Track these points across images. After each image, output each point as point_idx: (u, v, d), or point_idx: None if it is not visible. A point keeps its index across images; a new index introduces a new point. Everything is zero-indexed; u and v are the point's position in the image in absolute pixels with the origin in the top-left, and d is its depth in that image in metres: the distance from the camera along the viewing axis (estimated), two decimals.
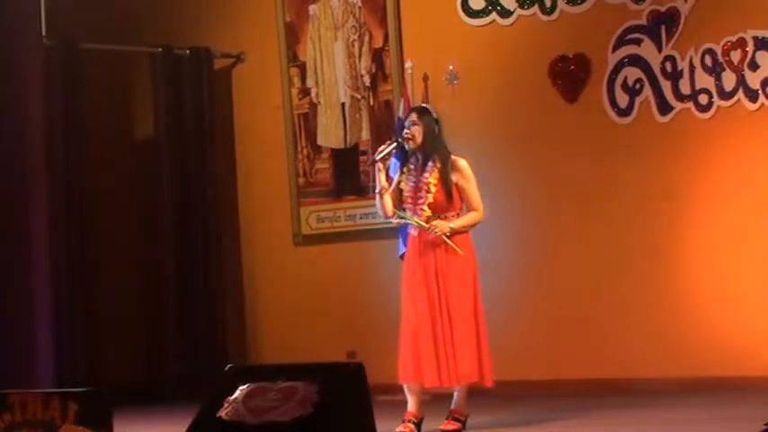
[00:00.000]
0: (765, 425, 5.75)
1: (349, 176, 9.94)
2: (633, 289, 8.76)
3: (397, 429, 6.90)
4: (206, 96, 10.45)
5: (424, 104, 8.01)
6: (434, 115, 7.11)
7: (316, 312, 10.02)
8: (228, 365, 5.39)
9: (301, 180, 10.25)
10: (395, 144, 7.11)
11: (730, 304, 8.42)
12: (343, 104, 10.04)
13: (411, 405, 7.01)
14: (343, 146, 9.84)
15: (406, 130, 7.05)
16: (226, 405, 4.99)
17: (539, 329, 9.08)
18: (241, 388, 5.01)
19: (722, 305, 8.45)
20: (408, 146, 7.04)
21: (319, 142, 10.17)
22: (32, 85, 9.35)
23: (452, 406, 7.06)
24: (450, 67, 9.44)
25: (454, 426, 6.99)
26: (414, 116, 7.07)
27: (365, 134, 9.77)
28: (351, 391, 4.91)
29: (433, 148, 7.03)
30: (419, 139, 7.01)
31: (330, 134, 10.10)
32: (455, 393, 7.06)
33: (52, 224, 9.36)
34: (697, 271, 8.58)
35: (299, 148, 10.26)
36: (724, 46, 8.43)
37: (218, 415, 5.00)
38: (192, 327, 10.23)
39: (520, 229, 9.25)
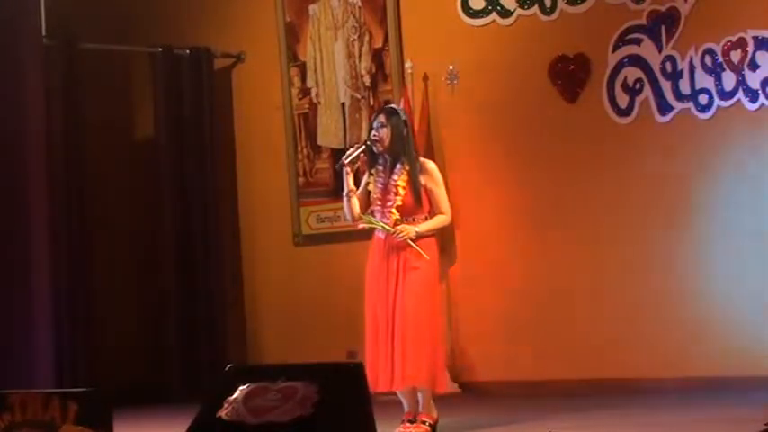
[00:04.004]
0: (765, 425, 5.75)
1: None
2: (632, 288, 8.75)
3: (396, 430, 6.90)
4: (206, 96, 10.45)
5: (392, 105, 7.99)
6: (403, 116, 7.06)
7: (316, 312, 10.02)
8: (228, 365, 5.37)
9: (301, 180, 10.25)
10: (363, 147, 7.03)
11: (730, 304, 8.42)
12: (343, 104, 10.04)
13: (407, 406, 7.01)
14: (343, 146, 9.83)
15: (373, 132, 6.98)
16: (226, 405, 4.99)
17: (538, 330, 9.08)
18: (241, 388, 5.00)
19: (722, 305, 8.44)
20: (376, 148, 6.99)
21: (319, 142, 10.17)
22: (32, 84, 9.36)
23: (419, 410, 6.97)
24: (451, 67, 9.45)
25: (421, 429, 6.92)
26: (382, 118, 6.99)
27: (365, 134, 9.74)
28: (351, 391, 4.90)
29: (402, 150, 6.96)
30: (387, 140, 6.95)
31: (330, 134, 10.11)
32: (420, 397, 6.98)
33: (52, 224, 9.36)
34: (696, 270, 8.58)
35: (299, 148, 10.26)
36: (724, 46, 8.43)
37: (218, 415, 4.99)
38: (192, 327, 10.23)
39: (519, 229, 9.25)
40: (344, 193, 7.05)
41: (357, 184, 7.12)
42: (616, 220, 8.85)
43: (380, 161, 7.04)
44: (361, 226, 7.10)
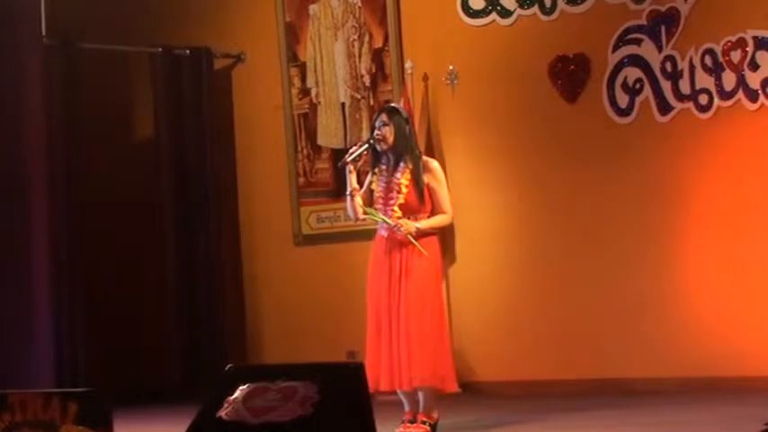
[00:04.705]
0: (765, 425, 5.75)
1: None
2: (632, 289, 8.75)
3: (396, 430, 6.90)
4: (206, 96, 10.45)
5: (393, 104, 7.99)
6: (404, 115, 7.07)
7: (316, 312, 10.02)
8: (228, 365, 5.37)
9: (301, 180, 10.25)
10: (366, 145, 7.02)
11: (730, 304, 8.42)
12: (343, 104, 10.04)
13: (407, 405, 7.00)
14: (343, 146, 9.83)
15: (376, 131, 6.96)
16: (226, 405, 4.99)
17: (538, 330, 9.08)
18: (241, 388, 5.00)
19: (722, 305, 8.44)
20: (380, 147, 6.98)
21: (319, 142, 10.17)
22: (32, 84, 9.35)
23: (419, 410, 6.96)
24: (451, 67, 9.45)
25: (421, 429, 6.91)
26: (384, 116, 6.98)
27: (365, 134, 9.75)
28: (351, 391, 4.90)
29: (405, 149, 6.96)
30: (390, 139, 6.95)
31: (330, 134, 10.11)
32: (420, 397, 6.97)
33: (52, 224, 9.36)
34: (696, 271, 8.58)
35: (299, 148, 10.26)
36: (724, 46, 8.43)
37: (218, 415, 4.99)
38: (192, 327, 10.23)
39: (518, 229, 9.25)
40: (348, 192, 7.06)
41: (360, 184, 7.12)
42: (616, 220, 8.85)
43: (384, 160, 7.05)
44: (362, 217, 7.11)
